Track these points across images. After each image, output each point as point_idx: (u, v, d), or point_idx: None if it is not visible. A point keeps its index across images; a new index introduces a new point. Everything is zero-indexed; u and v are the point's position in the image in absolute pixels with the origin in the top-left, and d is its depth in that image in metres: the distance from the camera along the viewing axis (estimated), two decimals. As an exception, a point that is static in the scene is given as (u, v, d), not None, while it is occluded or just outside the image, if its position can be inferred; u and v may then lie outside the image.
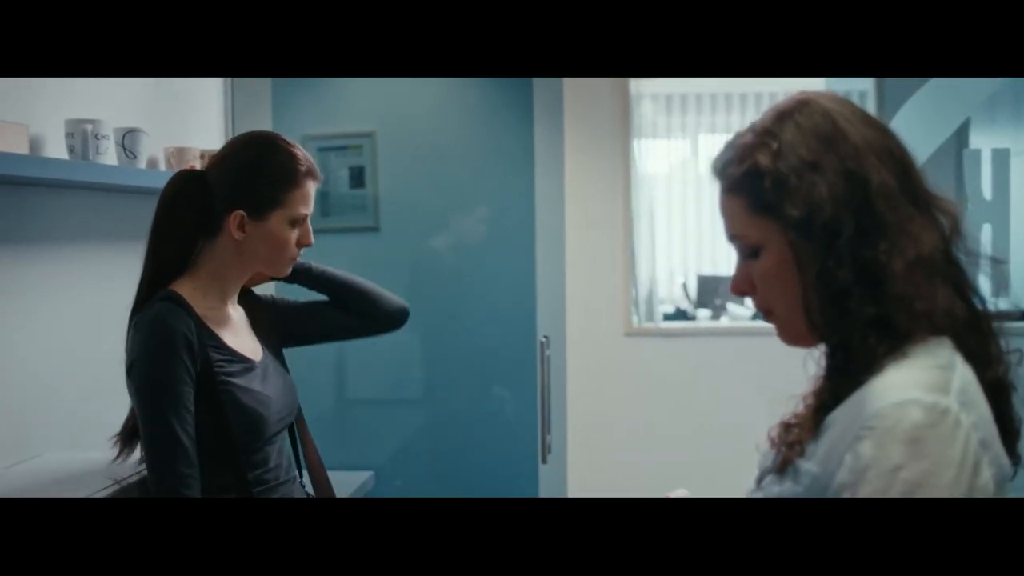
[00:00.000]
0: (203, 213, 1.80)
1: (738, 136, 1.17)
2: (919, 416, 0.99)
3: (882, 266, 1.07)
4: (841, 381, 1.09)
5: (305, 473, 2.02)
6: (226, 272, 1.83)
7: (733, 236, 1.17)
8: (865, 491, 1.00)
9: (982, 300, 1.13)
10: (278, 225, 1.82)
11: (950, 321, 1.08)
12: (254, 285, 2.01)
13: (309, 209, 1.86)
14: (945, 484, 0.98)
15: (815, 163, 1.09)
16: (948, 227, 1.12)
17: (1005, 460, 1.07)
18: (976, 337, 1.11)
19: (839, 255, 1.08)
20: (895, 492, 0.98)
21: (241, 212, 1.79)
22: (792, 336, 1.17)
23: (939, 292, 1.08)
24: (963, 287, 1.12)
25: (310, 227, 1.87)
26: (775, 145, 1.11)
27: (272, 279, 1.99)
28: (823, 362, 1.17)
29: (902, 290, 1.07)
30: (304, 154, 1.86)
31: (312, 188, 1.86)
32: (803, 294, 1.11)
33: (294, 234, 1.84)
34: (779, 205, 1.10)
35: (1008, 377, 1.13)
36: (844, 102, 1.14)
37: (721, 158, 1.18)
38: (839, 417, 1.08)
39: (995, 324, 1.13)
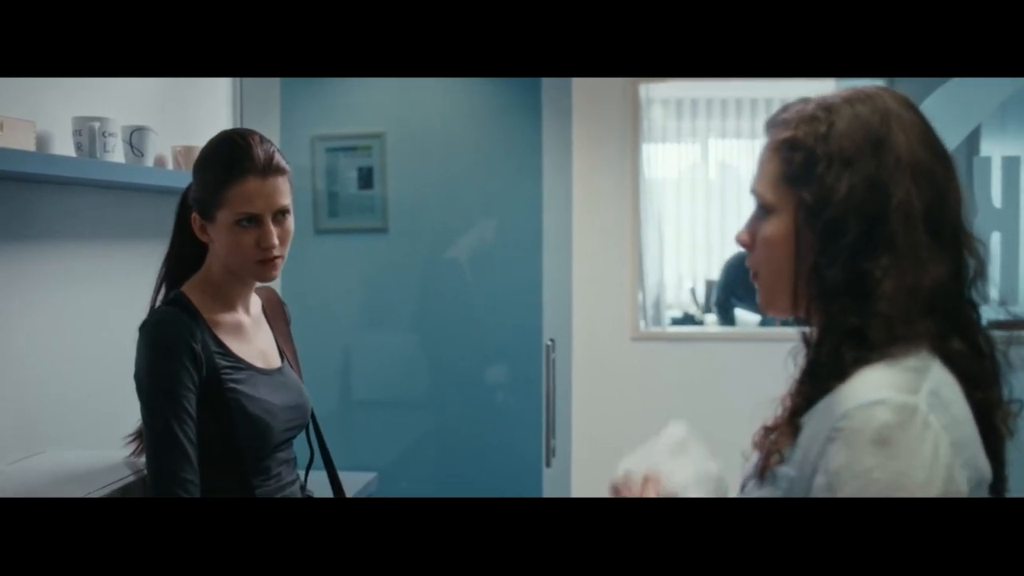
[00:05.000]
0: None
1: (802, 101, 1.16)
2: (887, 416, 0.99)
3: (875, 281, 1.06)
4: (812, 384, 1.10)
5: (310, 476, 2.00)
6: (220, 277, 1.80)
7: (754, 190, 1.18)
8: (843, 494, 1.00)
9: (990, 343, 1.12)
10: (224, 226, 1.72)
11: (941, 346, 1.07)
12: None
13: (255, 208, 1.71)
14: (918, 484, 0.98)
15: (850, 160, 1.08)
16: (973, 268, 1.11)
17: (983, 462, 1.06)
18: (975, 366, 1.09)
19: (833, 256, 1.08)
20: (871, 493, 0.98)
21: (195, 213, 1.77)
22: (768, 303, 1.19)
23: (924, 324, 1.06)
24: (970, 328, 1.11)
25: (271, 227, 1.72)
26: (824, 127, 1.10)
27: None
28: (801, 363, 1.17)
29: (887, 310, 1.06)
30: (260, 150, 1.72)
31: (259, 185, 1.71)
32: (791, 275, 1.12)
33: (250, 235, 1.73)
34: (800, 183, 1.10)
35: (1008, 423, 1.12)
36: (914, 110, 1.12)
37: (777, 115, 1.18)
38: (811, 421, 1.08)
39: (1000, 354, 1.12)
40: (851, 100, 1.11)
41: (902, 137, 1.08)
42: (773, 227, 1.14)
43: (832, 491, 1.01)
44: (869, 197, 1.07)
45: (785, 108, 1.17)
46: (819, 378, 1.09)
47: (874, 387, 1.02)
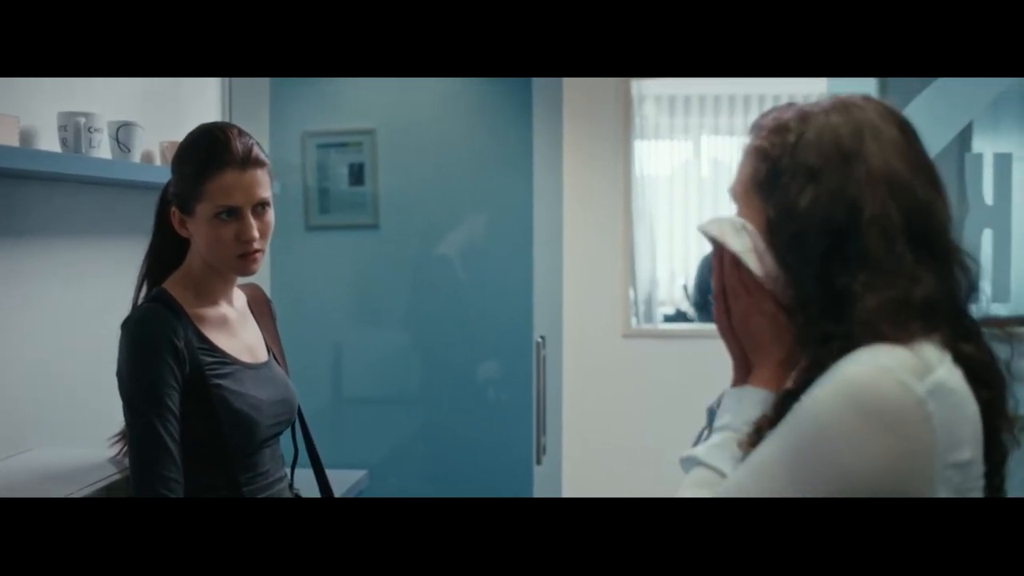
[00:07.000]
0: None
1: (786, 106, 1.13)
2: (891, 391, 0.95)
3: (854, 297, 1.01)
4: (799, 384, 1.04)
5: (296, 473, 1.99)
6: (201, 272, 1.78)
7: (730, 189, 1.17)
8: (786, 434, 0.99)
9: (991, 354, 1.06)
10: (203, 219, 1.71)
11: (952, 345, 1.02)
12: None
13: (235, 200, 1.69)
14: (885, 475, 0.94)
15: (817, 172, 1.04)
16: (964, 285, 1.06)
17: (976, 471, 1.01)
18: (985, 366, 1.04)
19: (801, 271, 1.05)
20: (810, 456, 0.96)
21: (175, 208, 1.75)
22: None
23: (916, 325, 1.00)
24: (976, 336, 1.06)
25: (250, 220, 1.71)
26: (793, 138, 1.07)
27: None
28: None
29: (871, 320, 1.00)
30: (239, 142, 1.71)
31: (239, 177, 1.69)
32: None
33: (230, 228, 1.71)
34: (767, 193, 1.09)
35: (1015, 432, 1.07)
36: (894, 122, 1.07)
37: (759, 119, 1.15)
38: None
39: (1003, 365, 1.07)
40: (828, 110, 1.07)
41: (875, 149, 1.04)
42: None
43: (783, 424, 0.99)
44: (834, 211, 1.02)
45: (768, 112, 1.14)
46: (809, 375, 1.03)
47: (882, 358, 0.97)
